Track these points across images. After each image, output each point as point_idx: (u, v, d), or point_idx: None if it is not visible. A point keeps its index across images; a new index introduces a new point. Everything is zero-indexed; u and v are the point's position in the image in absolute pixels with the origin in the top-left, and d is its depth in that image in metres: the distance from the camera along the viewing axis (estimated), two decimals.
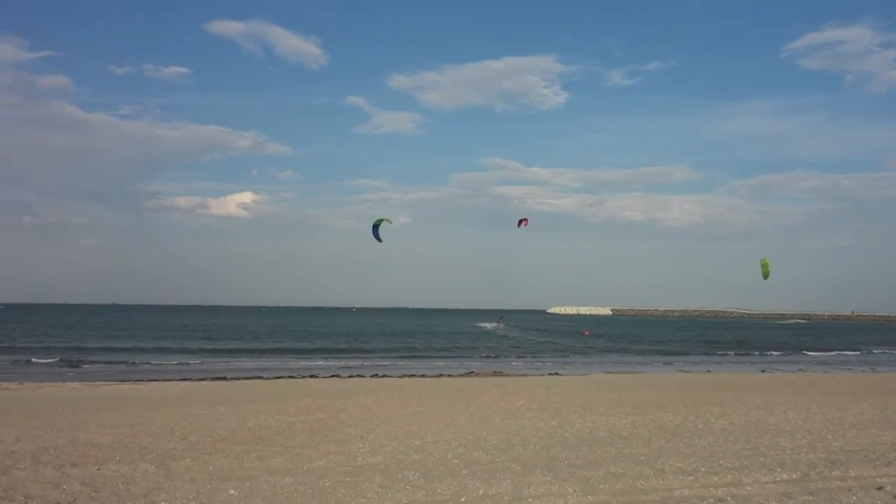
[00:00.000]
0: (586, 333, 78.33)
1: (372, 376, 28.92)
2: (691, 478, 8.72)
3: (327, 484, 8.49)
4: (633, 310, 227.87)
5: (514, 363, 38.53)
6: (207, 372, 31.39)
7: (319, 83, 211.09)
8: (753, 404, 16.52)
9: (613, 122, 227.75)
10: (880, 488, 8.14)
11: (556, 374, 30.66)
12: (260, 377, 28.53)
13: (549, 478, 8.73)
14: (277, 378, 27.85)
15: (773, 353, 51.00)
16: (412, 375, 29.43)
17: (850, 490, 8.07)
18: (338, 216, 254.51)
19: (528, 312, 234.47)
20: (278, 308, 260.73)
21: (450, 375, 29.31)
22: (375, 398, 17.74)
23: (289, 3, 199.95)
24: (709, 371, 33.00)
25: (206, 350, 46.54)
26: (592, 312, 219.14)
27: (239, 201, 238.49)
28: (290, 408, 15.81)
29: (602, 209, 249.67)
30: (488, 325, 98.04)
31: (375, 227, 25.57)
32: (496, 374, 30.54)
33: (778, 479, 8.68)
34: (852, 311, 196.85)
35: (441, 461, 9.83)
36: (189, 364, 36.96)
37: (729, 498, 7.77)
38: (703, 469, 9.24)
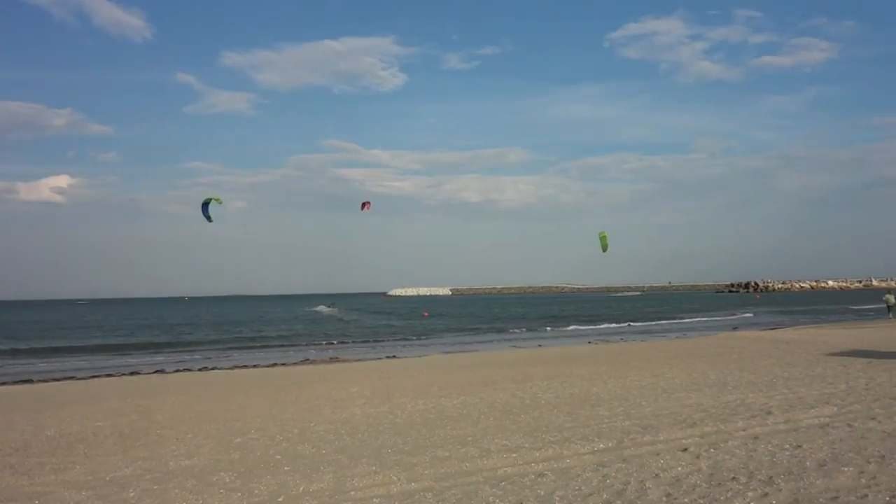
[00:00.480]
0: (425, 314, 79.56)
1: (200, 370, 27.47)
2: (515, 455, 8.87)
3: (131, 495, 7.78)
4: (471, 289, 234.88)
5: (351, 348, 38.15)
6: (7, 375, 28.36)
7: (145, 59, 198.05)
8: (578, 376, 17.33)
9: (451, 105, 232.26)
10: (685, 450, 8.69)
11: (394, 356, 30.66)
12: (73, 377, 26.21)
13: (374, 467, 8.54)
14: (92, 377, 25.69)
15: (605, 325, 54.16)
16: (244, 366, 28.27)
17: (658, 454, 8.54)
18: (167, 200, 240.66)
19: (369, 295, 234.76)
20: (100, 300, 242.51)
21: (284, 364, 28.49)
22: (198, 394, 16.78)
23: None
24: (539, 345, 34.45)
25: (6, 351, 42.11)
26: (433, 293, 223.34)
27: (54, 185, 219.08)
28: (99, 410, 14.54)
29: (440, 191, 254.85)
30: (324, 309, 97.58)
31: (205, 205, 24.77)
32: (333, 360, 30.11)
33: (595, 448, 9.05)
34: (668, 282, 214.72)
35: (262, 458, 9.36)
36: None
37: (549, 472, 7.95)
38: (527, 445, 9.45)
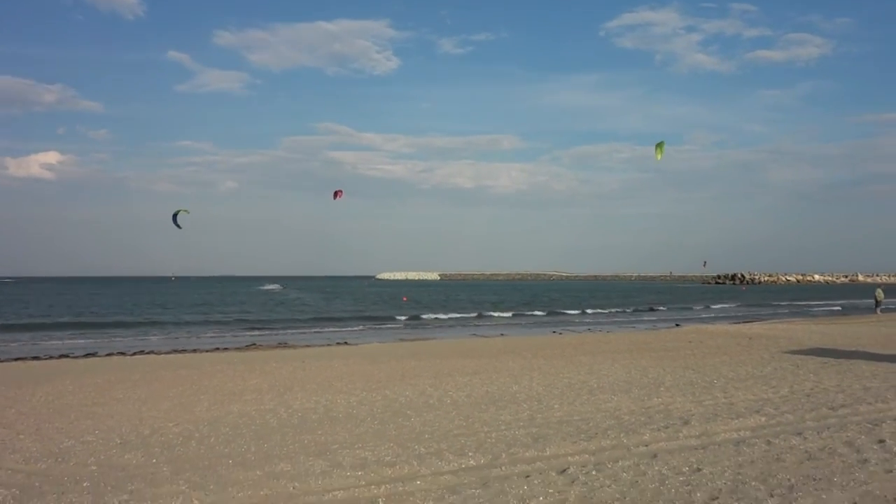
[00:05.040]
0: (405, 299, 77.95)
1: (133, 354, 25.88)
2: (360, 472, 7.39)
3: None
4: (459, 274, 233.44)
5: (307, 334, 36.49)
6: None
7: (136, 36, 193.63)
8: (507, 371, 15.89)
9: (445, 90, 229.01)
10: (564, 471, 7.23)
11: (345, 343, 29.19)
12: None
13: (186, 486, 7.06)
14: (16, 360, 24.08)
15: (589, 311, 52.84)
16: (183, 351, 26.73)
17: (529, 476, 7.08)
18: (158, 179, 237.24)
19: (358, 278, 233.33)
20: (86, 278, 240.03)
21: (225, 349, 26.96)
22: (85, 383, 15.16)
23: None
24: (502, 335, 33.00)
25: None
26: (420, 277, 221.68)
27: (43, 161, 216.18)
28: None
29: (433, 176, 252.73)
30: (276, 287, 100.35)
31: (175, 216, 27.31)
32: (281, 345, 28.60)
33: (462, 466, 7.58)
34: (670, 273, 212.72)
35: (70, 470, 7.86)
36: None
37: (381, 499, 6.48)
38: (388, 458, 7.97)
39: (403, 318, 48.32)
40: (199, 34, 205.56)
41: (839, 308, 55.68)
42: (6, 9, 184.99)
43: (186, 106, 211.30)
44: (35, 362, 23.02)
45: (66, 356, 25.19)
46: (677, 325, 37.19)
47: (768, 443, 8.18)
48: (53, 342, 31.94)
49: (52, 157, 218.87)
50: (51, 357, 24.77)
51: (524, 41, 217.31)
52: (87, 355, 25.47)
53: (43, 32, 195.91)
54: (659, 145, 26.21)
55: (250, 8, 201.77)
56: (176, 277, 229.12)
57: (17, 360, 24.28)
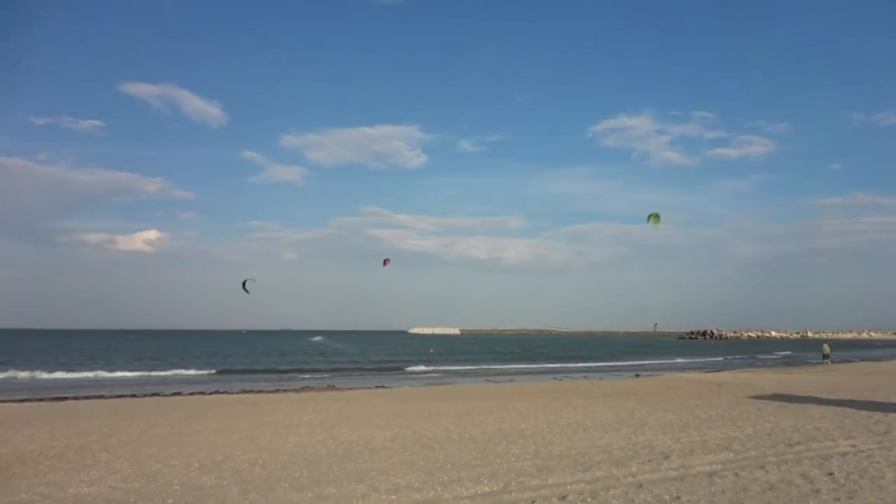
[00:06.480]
0: (432, 351, 77.03)
1: (211, 393, 25.79)
2: (394, 496, 7.25)
3: None
4: (477, 329, 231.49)
5: (352, 378, 36.21)
6: (64, 390, 26.84)
7: (220, 139, 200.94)
8: (516, 411, 15.57)
9: (464, 180, 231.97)
10: (563, 497, 7.04)
11: (382, 386, 28.87)
12: (102, 396, 24.65)
13: None
14: (117, 397, 24.10)
15: (590, 363, 51.82)
16: (249, 391, 26.57)
17: (534, 502, 6.93)
18: (234, 251, 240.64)
19: (394, 333, 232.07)
20: (174, 331, 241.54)
21: (284, 391, 26.73)
22: (172, 416, 15.11)
23: (197, 72, 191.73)
24: (511, 380, 32.41)
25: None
26: (445, 332, 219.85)
27: (145, 238, 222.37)
28: (70, 430, 12.93)
29: (453, 249, 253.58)
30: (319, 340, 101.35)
31: (244, 284, 28.17)
32: (329, 388, 28.33)
33: (478, 492, 7.41)
34: (653, 328, 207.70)
35: (157, 489, 7.80)
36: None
37: None
38: (416, 484, 7.82)
39: (430, 367, 47.70)
40: (269, 137, 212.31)
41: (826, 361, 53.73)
42: (123, 119, 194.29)
43: (257, 193, 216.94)
44: (132, 399, 23.02)
45: (157, 394, 25.22)
46: (637, 375, 35.80)
47: (736, 475, 7.91)
48: (147, 386, 31.92)
49: (152, 234, 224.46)
50: (145, 395, 24.83)
51: (527, 141, 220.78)
52: (173, 394, 25.45)
53: (149, 137, 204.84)
54: (655, 216, 26.18)
55: (309, 117, 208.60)
56: (246, 331, 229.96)
57: (118, 396, 24.36)
